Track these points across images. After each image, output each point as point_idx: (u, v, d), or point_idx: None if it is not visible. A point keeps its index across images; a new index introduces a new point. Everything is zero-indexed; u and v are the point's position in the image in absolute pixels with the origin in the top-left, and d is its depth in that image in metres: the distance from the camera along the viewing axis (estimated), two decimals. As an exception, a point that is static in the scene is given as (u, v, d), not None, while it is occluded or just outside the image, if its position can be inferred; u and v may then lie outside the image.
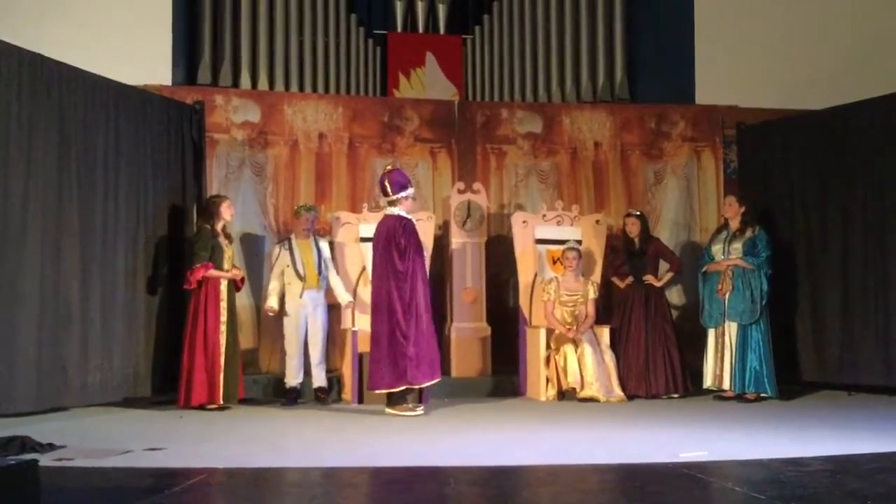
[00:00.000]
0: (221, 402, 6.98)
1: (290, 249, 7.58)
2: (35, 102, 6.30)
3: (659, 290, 8.01)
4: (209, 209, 7.32)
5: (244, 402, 7.29)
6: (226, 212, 7.30)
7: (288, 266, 7.54)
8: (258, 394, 7.70)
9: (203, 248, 7.07)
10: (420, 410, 6.69)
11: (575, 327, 7.73)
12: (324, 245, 7.73)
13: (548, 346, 7.79)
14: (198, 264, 7.02)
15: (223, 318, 7.08)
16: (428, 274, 7.09)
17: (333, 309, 7.74)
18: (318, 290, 7.60)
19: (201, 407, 6.91)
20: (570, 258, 7.85)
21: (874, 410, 6.76)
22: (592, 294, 7.85)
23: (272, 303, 7.52)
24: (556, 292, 7.86)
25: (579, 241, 8.16)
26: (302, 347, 7.54)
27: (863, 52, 9.08)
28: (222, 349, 7.03)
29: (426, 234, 8.07)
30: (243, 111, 8.61)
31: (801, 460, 4.57)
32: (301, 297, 7.51)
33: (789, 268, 8.00)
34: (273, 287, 7.56)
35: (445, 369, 8.08)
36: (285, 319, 7.56)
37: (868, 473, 4.23)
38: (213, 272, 7.06)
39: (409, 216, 6.94)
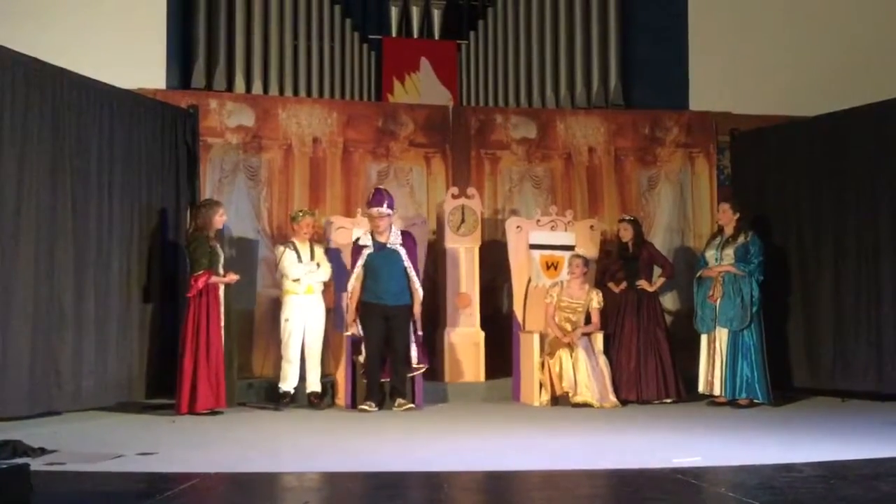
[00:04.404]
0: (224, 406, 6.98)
1: (296, 251, 7.59)
2: (28, 106, 6.27)
3: (652, 296, 8.02)
4: (203, 215, 7.21)
5: (237, 405, 7.27)
6: (219, 221, 7.27)
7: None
8: (251, 398, 7.68)
9: (203, 255, 7.00)
10: (367, 408, 7.15)
11: (571, 331, 7.74)
12: (319, 250, 7.73)
13: (542, 351, 7.79)
14: (200, 271, 6.97)
15: (222, 322, 7.07)
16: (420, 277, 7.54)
17: (326, 314, 7.74)
18: (315, 295, 7.61)
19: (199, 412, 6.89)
20: (577, 266, 7.85)
21: (867, 417, 6.77)
22: (596, 304, 7.84)
23: (302, 271, 7.51)
24: (558, 297, 7.86)
25: (573, 247, 8.17)
26: (300, 352, 7.53)
27: (856, 59, 9.10)
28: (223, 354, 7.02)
29: (420, 239, 8.10)
30: (237, 115, 8.60)
31: (793, 466, 4.58)
32: (299, 299, 7.51)
33: (782, 274, 8.01)
34: (294, 267, 7.52)
35: (439, 374, 8.11)
36: (284, 324, 7.55)
37: (860, 479, 4.25)
38: (214, 279, 7.04)
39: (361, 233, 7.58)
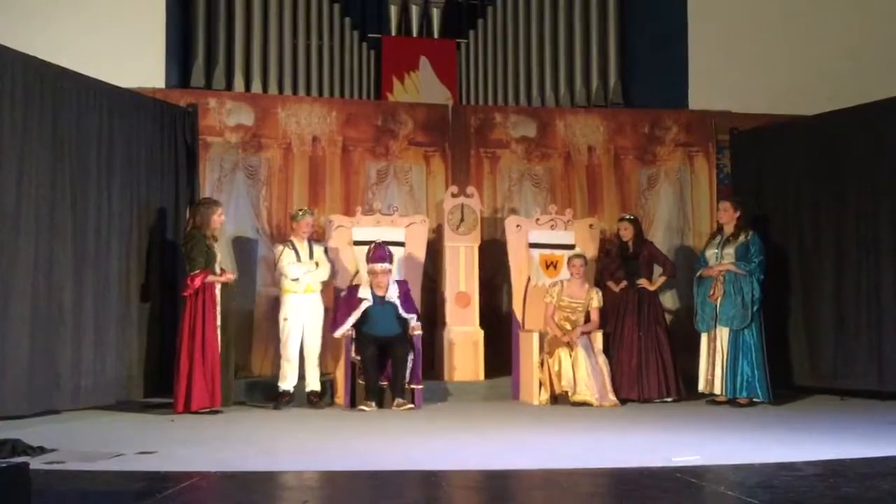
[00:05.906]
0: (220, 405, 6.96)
1: (295, 250, 7.59)
2: (28, 105, 6.28)
3: (652, 294, 8.02)
4: (201, 214, 7.19)
5: (236, 404, 7.26)
6: (217, 220, 7.25)
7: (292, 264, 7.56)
8: (250, 397, 7.67)
9: (200, 254, 6.98)
10: (365, 407, 7.19)
11: (571, 330, 7.74)
12: (318, 249, 7.72)
13: (541, 350, 7.79)
14: (197, 270, 6.94)
15: (218, 321, 7.05)
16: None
17: (325, 313, 7.74)
18: (314, 294, 7.61)
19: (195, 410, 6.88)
20: (577, 265, 7.84)
21: (867, 415, 6.77)
22: (596, 303, 7.85)
23: (300, 271, 7.51)
24: (558, 296, 7.86)
25: (572, 246, 8.17)
26: (299, 351, 7.52)
27: (855, 59, 9.10)
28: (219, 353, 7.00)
29: (419, 238, 8.11)
30: (237, 114, 8.60)
31: (793, 465, 4.58)
32: (298, 299, 7.51)
33: (783, 273, 8.01)
34: (292, 266, 7.51)
35: (439, 373, 8.11)
36: (283, 323, 7.54)
37: (860, 478, 4.25)
38: (210, 278, 7.02)
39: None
